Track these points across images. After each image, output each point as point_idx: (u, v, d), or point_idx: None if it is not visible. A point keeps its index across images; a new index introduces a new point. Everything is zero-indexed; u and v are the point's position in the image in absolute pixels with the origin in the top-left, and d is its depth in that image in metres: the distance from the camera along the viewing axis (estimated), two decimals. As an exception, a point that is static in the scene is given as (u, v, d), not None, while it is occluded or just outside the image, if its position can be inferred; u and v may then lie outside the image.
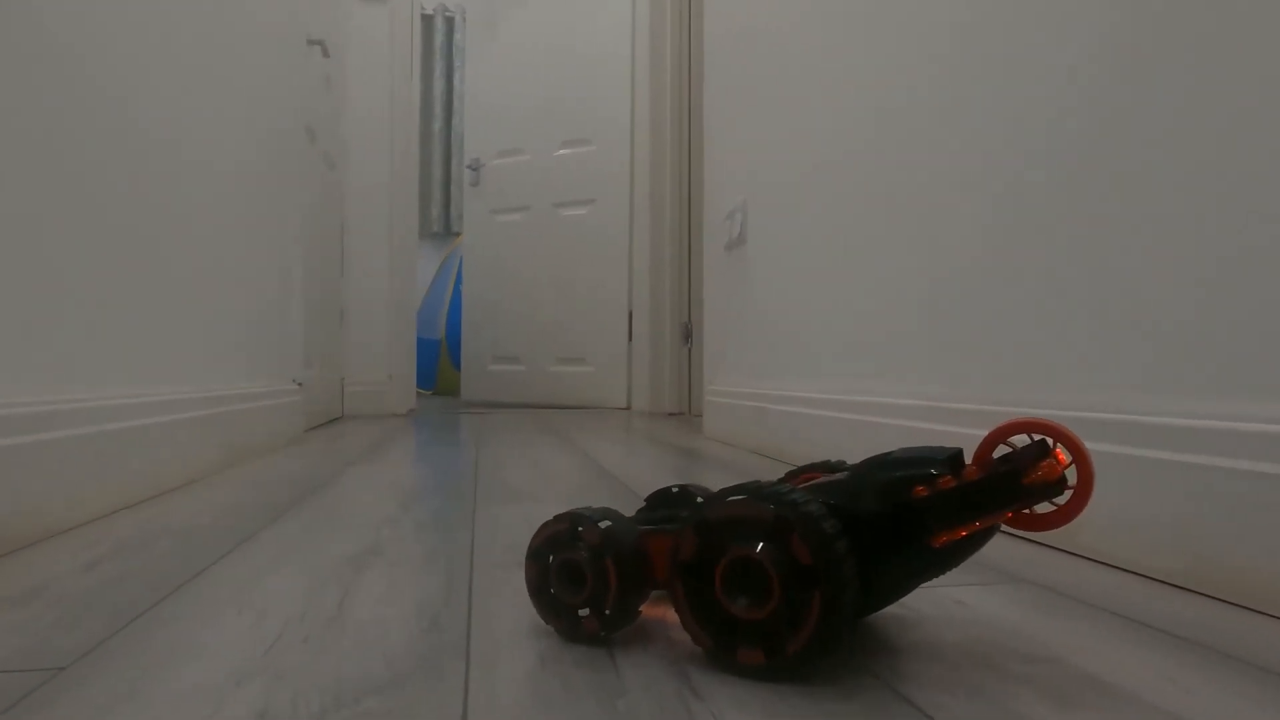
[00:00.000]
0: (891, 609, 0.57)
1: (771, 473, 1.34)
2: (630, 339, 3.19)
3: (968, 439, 0.88)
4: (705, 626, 0.46)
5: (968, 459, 0.71)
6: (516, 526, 0.87)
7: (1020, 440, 0.47)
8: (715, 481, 1.24)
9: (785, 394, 1.51)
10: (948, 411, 0.94)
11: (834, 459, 0.86)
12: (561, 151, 3.38)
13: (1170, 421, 0.63)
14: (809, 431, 1.38)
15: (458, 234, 5.39)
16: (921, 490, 0.45)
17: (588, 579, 0.49)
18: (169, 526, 0.86)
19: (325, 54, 2.21)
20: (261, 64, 1.63)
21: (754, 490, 0.45)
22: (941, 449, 0.47)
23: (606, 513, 0.51)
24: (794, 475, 0.59)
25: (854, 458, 1.17)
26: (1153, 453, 0.64)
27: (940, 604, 0.58)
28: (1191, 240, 0.63)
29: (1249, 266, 0.59)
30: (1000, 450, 0.47)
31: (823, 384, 1.37)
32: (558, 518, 0.52)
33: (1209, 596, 0.60)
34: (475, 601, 0.59)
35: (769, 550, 0.43)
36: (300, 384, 1.99)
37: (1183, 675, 0.45)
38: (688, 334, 3.03)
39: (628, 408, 3.23)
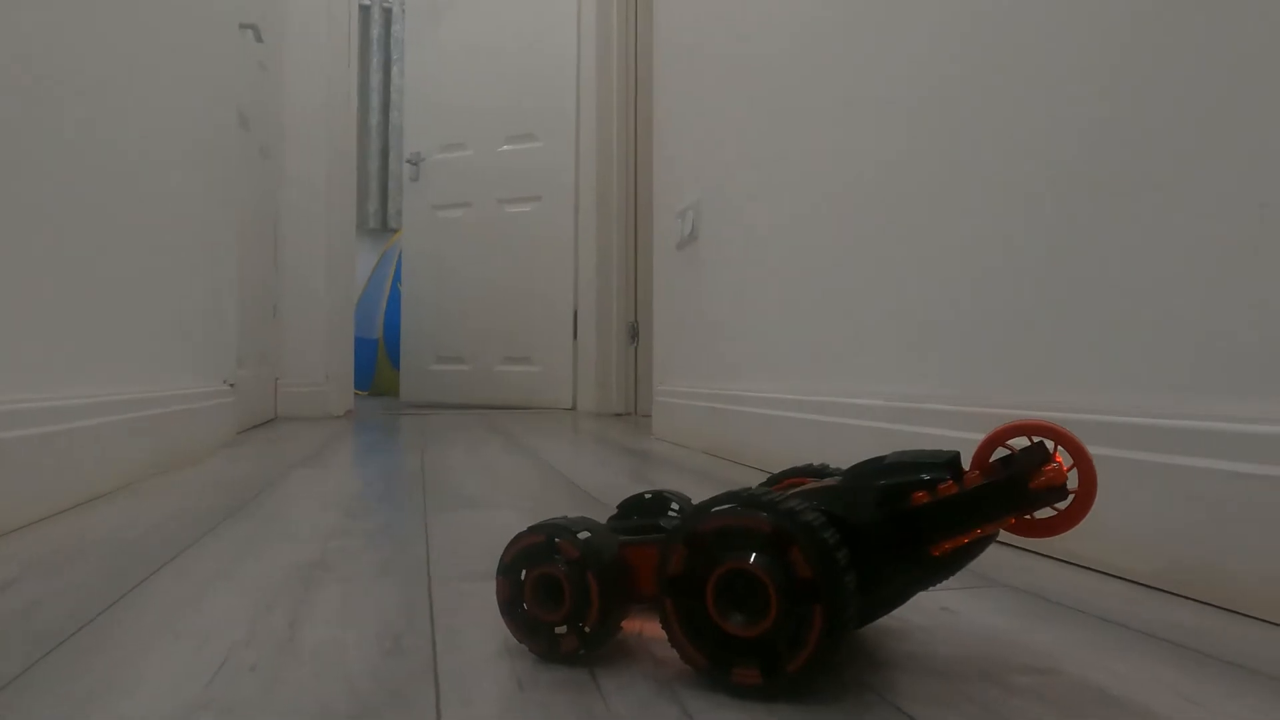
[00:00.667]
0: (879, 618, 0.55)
1: (730, 473, 1.32)
2: (575, 338, 3.15)
3: (938, 440, 0.87)
4: (697, 644, 0.43)
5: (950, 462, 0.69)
6: (473, 535, 0.83)
7: (1019, 443, 0.45)
8: (672, 482, 1.21)
9: (742, 394, 1.49)
10: (916, 412, 0.93)
11: (816, 462, 0.84)
12: (506, 147, 3.32)
13: (1146, 422, 0.63)
14: (768, 432, 1.36)
15: (395, 230, 5.26)
16: (921, 496, 0.43)
17: (566, 594, 0.46)
18: (93, 539, 0.79)
19: (259, 39, 2.12)
20: (193, 47, 1.54)
21: (745, 498, 0.42)
22: (939, 453, 0.45)
23: (585, 523, 0.48)
24: (777, 480, 0.56)
25: (817, 459, 1.16)
26: (1129, 453, 0.63)
27: (926, 611, 0.57)
28: (1165, 239, 0.63)
29: (1230, 264, 0.59)
30: (998, 454, 0.45)
31: (782, 384, 1.35)
32: (532, 529, 0.48)
33: (1189, 599, 0.59)
34: (438, 619, 0.54)
35: (766, 562, 0.41)
36: (232, 384, 1.89)
37: (1184, 684, 0.44)
38: (634, 334, 3.00)
39: (573, 408, 3.19)
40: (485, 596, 0.60)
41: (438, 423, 2.51)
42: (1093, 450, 0.67)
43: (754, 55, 1.48)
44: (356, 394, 4.63)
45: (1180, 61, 0.62)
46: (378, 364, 4.59)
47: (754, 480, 1.25)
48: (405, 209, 3.58)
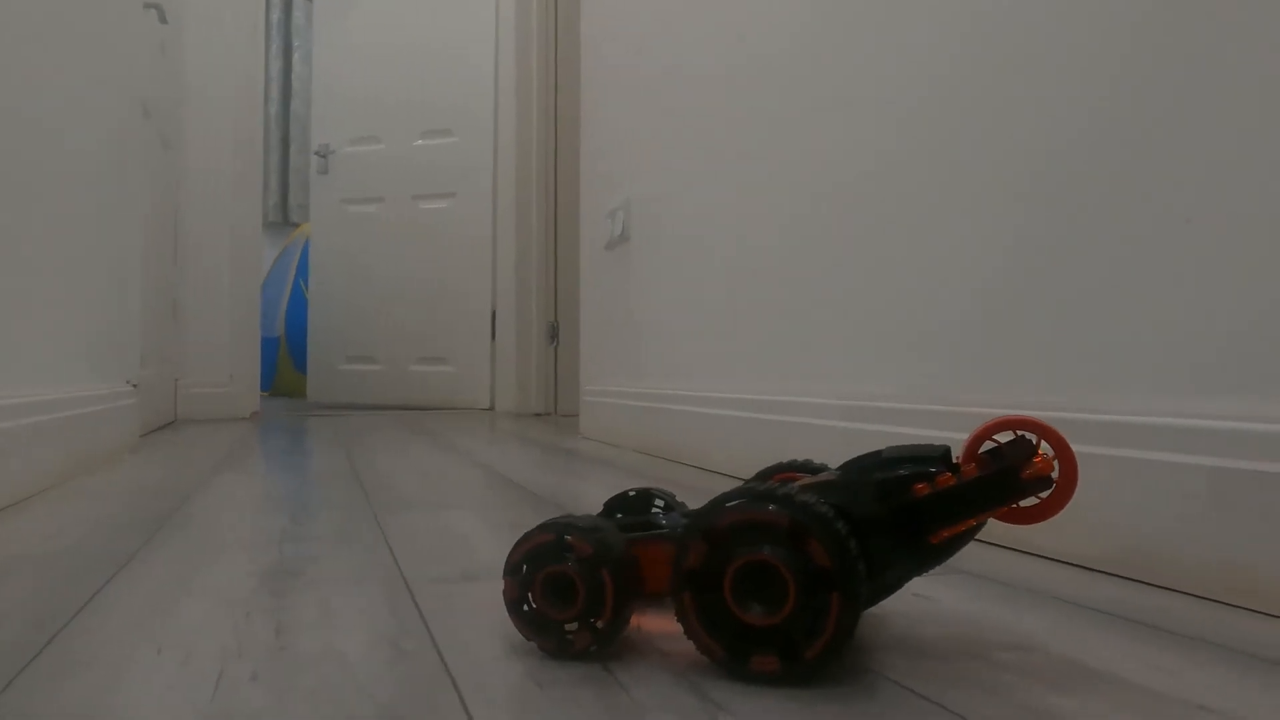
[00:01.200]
0: (861, 606, 0.58)
1: (667, 471, 1.34)
2: (494, 338, 3.11)
3: (887, 437, 0.91)
4: (714, 635, 0.44)
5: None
6: (433, 537, 0.81)
7: (1003, 437, 0.48)
8: (611, 479, 1.22)
9: (679, 393, 1.52)
10: (865, 410, 0.97)
11: (801, 458, 0.87)
12: (420, 142, 3.24)
13: (1095, 418, 0.68)
14: (707, 431, 1.39)
15: (296, 224, 5.06)
16: (922, 488, 0.45)
17: (580, 592, 0.46)
18: (23, 552, 0.73)
19: (163, 20, 2.00)
20: (96, 27, 1.45)
21: (760, 494, 0.44)
22: (932, 447, 0.48)
23: (593, 521, 0.48)
24: (767, 476, 0.58)
25: (763, 457, 1.19)
26: (1085, 448, 0.68)
27: (902, 599, 0.60)
28: (1102, 245, 0.69)
29: (1172, 270, 0.64)
30: (984, 447, 0.48)
31: (726, 383, 1.38)
32: (541, 528, 0.48)
33: (1141, 582, 0.64)
34: (430, 622, 0.54)
35: (786, 554, 0.42)
36: (135, 385, 1.78)
37: (1152, 656, 0.48)
38: (554, 333, 2.99)
39: (491, 408, 3.15)
40: (470, 597, 0.60)
41: (353, 424, 2.44)
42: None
43: (687, 53, 1.50)
44: (256, 395, 4.42)
45: (1166, 72, 0.68)
46: (279, 363, 4.40)
47: (695, 476, 1.28)
48: (313, 203, 3.46)
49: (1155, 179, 0.65)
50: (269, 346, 4.32)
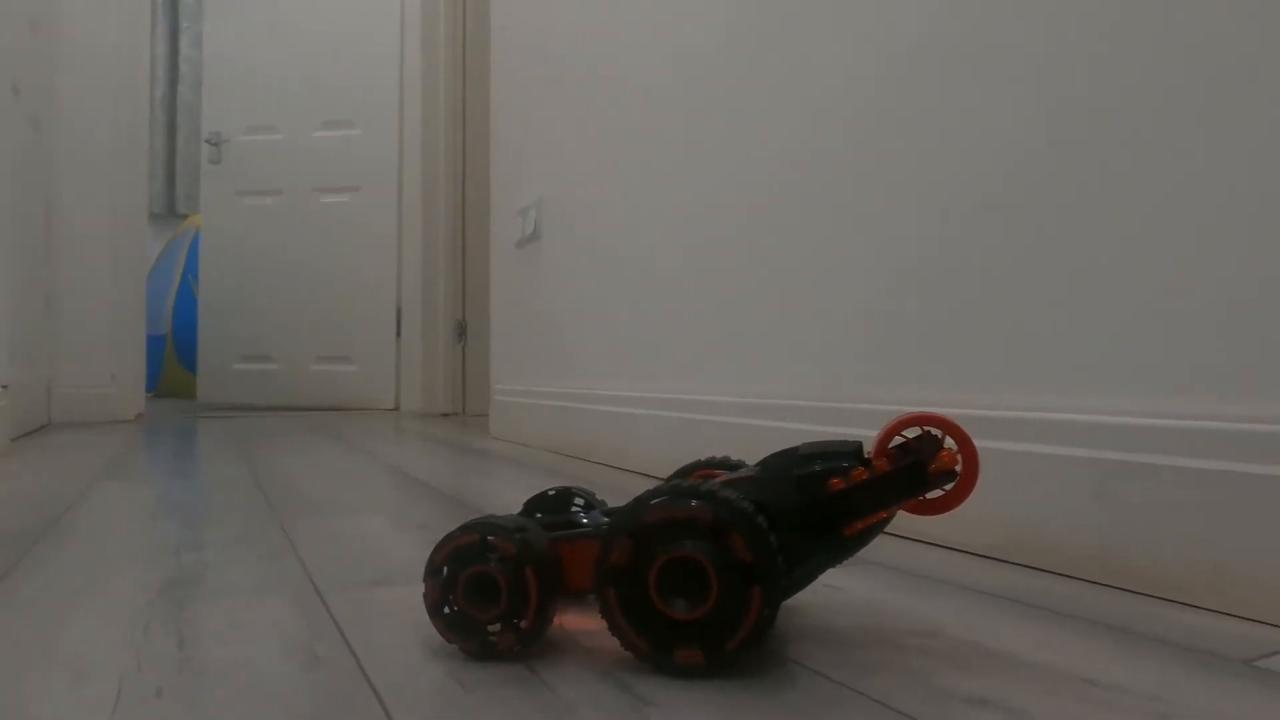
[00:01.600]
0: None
1: (580, 470, 1.34)
2: (399, 336, 3.03)
3: (801, 434, 0.93)
4: (639, 630, 0.44)
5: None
6: (344, 542, 0.79)
7: (910, 433, 0.50)
8: (525, 480, 1.21)
9: (594, 393, 1.52)
10: (778, 408, 0.99)
11: (704, 456, 0.89)
12: (321, 133, 3.13)
13: (985, 413, 0.72)
14: (622, 430, 1.40)
15: (184, 216, 4.80)
16: (836, 483, 0.47)
17: (503, 592, 0.46)
18: (-123, 568, 0.67)
19: (36, -7, 1.86)
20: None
21: (684, 491, 0.45)
22: (845, 442, 0.50)
23: (516, 520, 0.48)
24: (688, 473, 0.59)
25: (675, 455, 1.20)
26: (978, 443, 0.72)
27: (816, 590, 0.62)
28: (997, 255, 0.73)
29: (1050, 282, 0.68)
30: (893, 442, 0.50)
31: (642, 383, 1.39)
32: (463, 529, 0.47)
33: (1027, 567, 0.69)
34: (346, 629, 0.52)
35: (709, 549, 0.43)
36: (5, 386, 1.65)
37: (1044, 635, 0.51)
38: (462, 332, 2.94)
39: (396, 408, 3.07)
40: (384, 603, 0.58)
41: (250, 426, 2.33)
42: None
43: (599, 51, 1.50)
44: (139, 395, 4.16)
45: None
46: (164, 362, 4.17)
47: (611, 475, 1.28)
48: (205, 194, 3.28)
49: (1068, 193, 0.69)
50: (154, 344, 4.09)
